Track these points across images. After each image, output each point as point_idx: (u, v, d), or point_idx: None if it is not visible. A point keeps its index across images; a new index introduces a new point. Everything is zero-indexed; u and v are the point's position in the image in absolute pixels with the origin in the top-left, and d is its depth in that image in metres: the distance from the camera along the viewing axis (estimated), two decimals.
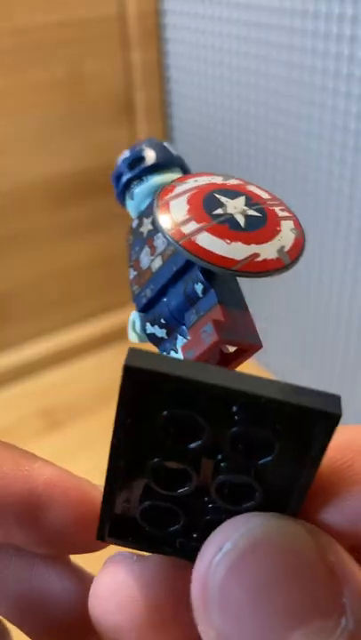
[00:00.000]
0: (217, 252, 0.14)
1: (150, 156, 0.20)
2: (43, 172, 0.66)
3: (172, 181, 0.17)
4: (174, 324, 0.17)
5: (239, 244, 0.15)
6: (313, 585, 0.12)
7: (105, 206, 0.71)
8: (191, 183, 0.17)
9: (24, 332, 0.72)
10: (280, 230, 0.16)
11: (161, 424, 0.12)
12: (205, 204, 0.16)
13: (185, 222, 0.15)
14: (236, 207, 0.16)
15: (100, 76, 0.66)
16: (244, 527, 0.13)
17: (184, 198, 0.16)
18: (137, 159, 0.20)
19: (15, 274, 0.69)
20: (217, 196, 0.16)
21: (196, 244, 0.14)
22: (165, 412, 0.12)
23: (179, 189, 0.16)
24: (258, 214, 0.16)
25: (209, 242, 0.15)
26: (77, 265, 0.72)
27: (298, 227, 0.16)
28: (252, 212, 0.16)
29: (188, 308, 0.16)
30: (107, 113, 0.68)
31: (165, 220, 0.15)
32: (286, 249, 0.15)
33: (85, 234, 0.71)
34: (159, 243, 0.18)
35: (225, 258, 0.14)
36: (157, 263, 0.17)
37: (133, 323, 0.18)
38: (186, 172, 0.20)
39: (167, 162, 0.19)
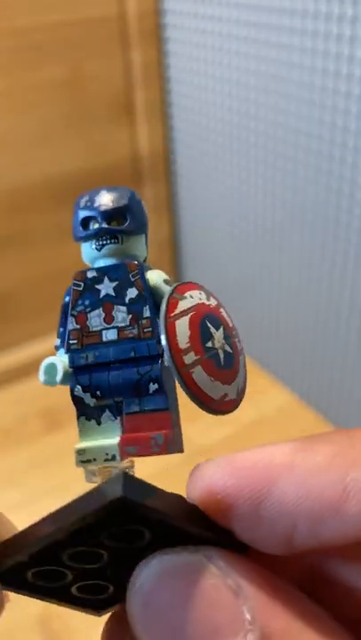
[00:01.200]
0: (203, 389, 0.16)
1: (131, 218, 0.19)
2: (43, 172, 0.66)
3: (174, 291, 0.17)
4: (108, 400, 0.18)
5: (218, 384, 0.17)
6: (217, 610, 0.13)
7: None
8: (189, 300, 0.17)
9: (24, 331, 0.72)
10: (238, 370, 0.18)
11: (105, 534, 0.14)
12: (201, 333, 0.17)
13: (186, 351, 0.16)
14: (219, 341, 0.17)
15: (100, 75, 0.66)
16: (149, 565, 0.14)
17: (186, 320, 0.17)
18: (118, 215, 0.19)
19: (15, 274, 0.69)
20: (208, 324, 0.17)
21: (192, 378, 0.16)
22: (116, 528, 0.14)
23: (181, 306, 0.17)
24: (230, 351, 0.18)
25: (200, 378, 0.16)
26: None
27: (244, 359, 0.18)
28: (227, 349, 0.17)
29: (131, 395, 0.17)
30: (107, 113, 0.68)
31: (173, 344, 0.16)
32: (240, 388, 0.17)
33: None
34: (120, 316, 0.18)
35: (207, 395, 0.16)
36: (112, 336, 0.18)
37: (50, 367, 0.18)
38: (146, 235, 0.20)
39: (140, 228, 0.20)
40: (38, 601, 0.16)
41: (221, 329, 0.18)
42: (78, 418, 0.18)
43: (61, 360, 0.18)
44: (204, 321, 0.17)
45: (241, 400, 0.17)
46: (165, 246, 0.78)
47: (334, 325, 0.56)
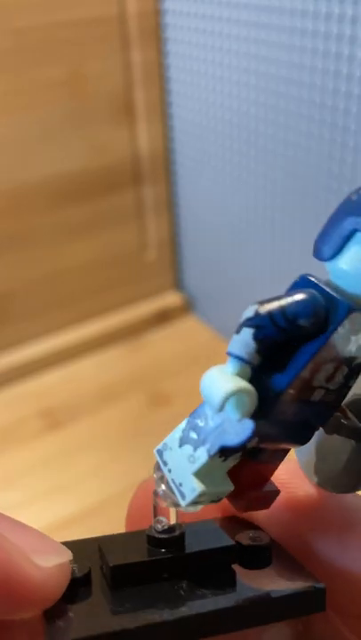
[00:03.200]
0: None
1: None
2: (43, 172, 0.66)
3: None
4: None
5: None
6: None
7: (105, 206, 0.71)
8: None
9: (24, 332, 0.72)
10: None
11: None
12: None
13: None
14: None
15: (100, 75, 0.66)
16: None
17: None
18: None
19: (15, 274, 0.69)
20: None
21: None
22: None
23: None
24: None
25: None
26: (77, 265, 0.72)
27: None
28: None
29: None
30: (107, 113, 0.68)
31: None
32: None
33: (85, 234, 0.71)
34: (338, 379, 0.15)
35: None
36: (318, 396, 0.15)
37: (242, 402, 0.14)
38: None
39: None
40: None
41: None
42: (212, 456, 0.14)
43: (253, 394, 0.14)
44: None
45: None
46: (165, 246, 0.78)
47: None
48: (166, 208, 0.76)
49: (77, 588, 0.14)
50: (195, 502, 0.15)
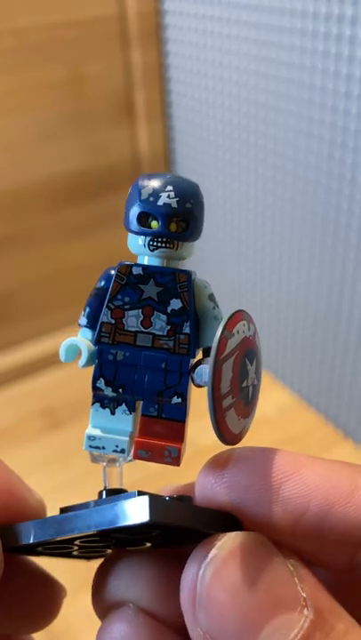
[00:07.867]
0: (230, 429, 0.16)
1: (193, 226, 0.18)
2: (43, 171, 0.66)
3: (225, 329, 0.16)
4: (128, 397, 0.18)
5: (242, 420, 0.17)
6: (279, 585, 0.15)
7: (105, 206, 0.71)
8: (236, 337, 0.16)
9: (24, 332, 0.72)
10: (257, 399, 0.18)
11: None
12: (240, 374, 0.16)
13: (225, 396, 0.16)
14: (251, 377, 0.17)
15: (101, 76, 0.66)
16: (222, 540, 0.15)
17: (231, 362, 0.16)
18: (180, 219, 0.18)
19: (15, 274, 0.69)
20: (246, 361, 0.17)
21: (225, 422, 0.16)
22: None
23: (230, 346, 0.16)
24: (257, 383, 0.17)
25: (231, 419, 0.16)
26: (77, 265, 0.72)
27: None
28: (255, 382, 0.17)
29: (152, 399, 0.18)
30: (107, 113, 0.68)
31: (216, 389, 0.15)
32: (253, 416, 0.18)
33: (85, 234, 0.71)
34: (158, 324, 0.18)
35: (231, 433, 0.16)
36: (146, 342, 0.18)
37: (72, 349, 0.18)
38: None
39: (198, 235, 0.18)
40: None
41: (255, 362, 0.17)
42: (93, 404, 0.19)
43: (86, 343, 0.18)
44: (244, 359, 0.17)
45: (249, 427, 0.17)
46: None
47: (334, 325, 0.56)
48: None
49: None
50: (92, 446, 0.19)
